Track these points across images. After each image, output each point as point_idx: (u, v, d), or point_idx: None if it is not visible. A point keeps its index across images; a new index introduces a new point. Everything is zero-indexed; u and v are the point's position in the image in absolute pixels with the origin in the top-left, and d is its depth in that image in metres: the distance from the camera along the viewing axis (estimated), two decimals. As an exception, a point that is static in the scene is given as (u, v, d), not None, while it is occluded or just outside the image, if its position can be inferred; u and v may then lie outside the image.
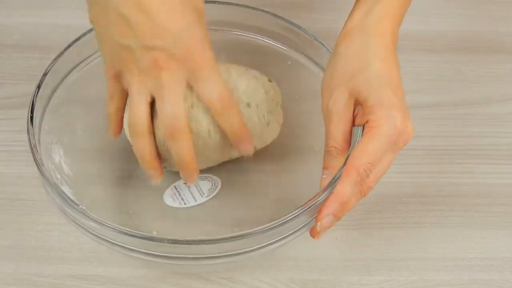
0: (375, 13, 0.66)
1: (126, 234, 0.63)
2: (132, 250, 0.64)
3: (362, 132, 0.64)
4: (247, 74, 0.72)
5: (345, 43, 0.67)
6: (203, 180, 0.77)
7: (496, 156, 0.83)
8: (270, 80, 0.73)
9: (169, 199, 0.76)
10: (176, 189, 0.77)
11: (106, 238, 0.65)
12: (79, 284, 0.73)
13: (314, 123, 0.72)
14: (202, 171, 0.77)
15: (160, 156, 0.68)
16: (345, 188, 0.63)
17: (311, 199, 0.65)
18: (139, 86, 0.64)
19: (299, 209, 0.64)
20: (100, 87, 0.71)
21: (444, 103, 0.88)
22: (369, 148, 0.63)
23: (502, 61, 0.92)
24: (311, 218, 0.66)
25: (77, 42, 0.75)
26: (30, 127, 0.69)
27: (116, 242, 0.64)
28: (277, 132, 0.74)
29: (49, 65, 0.73)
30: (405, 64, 0.91)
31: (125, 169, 0.78)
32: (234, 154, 0.72)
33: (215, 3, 0.78)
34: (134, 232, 0.63)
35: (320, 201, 0.65)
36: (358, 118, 0.65)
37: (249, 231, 0.63)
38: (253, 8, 0.78)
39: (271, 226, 0.63)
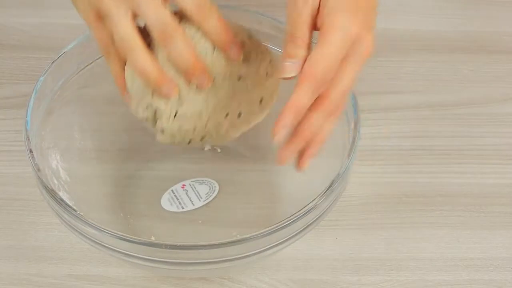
0: None
1: (123, 239, 0.63)
2: (130, 255, 0.64)
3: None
4: None
5: None
6: (200, 184, 0.77)
7: (496, 156, 0.83)
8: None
9: (167, 203, 0.76)
10: (174, 193, 0.77)
11: (103, 244, 0.64)
12: (79, 284, 0.73)
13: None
14: (200, 175, 0.78)
15: None
16: (300, 95, 0.60)
17: (312, 201, 0.65)
18: (116, 5, 0.61)
19: (299, 212, 0.64)
20: (100, 88, 0.71)
21: (444, 103, 0.88)
22: (323, 52, 0.61)
23: (502, 61, 0.92)
24: (311, 221, 0.66)
25: (77, 42, 0.75)
26: (27, 131, 0.69)
27: (114, 248, 0.64)
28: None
29: (48, 66, 0.73)
30: (405, 64, 0.92)
31: (123, 173, 0.78)
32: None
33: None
34: (131, 238, 0.63)
35: (320, 202, 0.65)
36: (317, 19, 0.63)
37: (247, 236, 0.63)
38: (252, 11, 0.78)
39: (270, 231, 0.63)
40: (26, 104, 0.70)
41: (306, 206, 0.64)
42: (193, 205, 0.76)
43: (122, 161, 0.78)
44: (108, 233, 0.63)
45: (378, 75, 0.90)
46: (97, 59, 0.76)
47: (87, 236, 0.65)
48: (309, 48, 0.62)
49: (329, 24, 0.61)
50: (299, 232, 0.66)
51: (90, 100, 0.76)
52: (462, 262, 0.76)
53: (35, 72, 0.88)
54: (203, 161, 0.80)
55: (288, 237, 0.65)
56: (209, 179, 0.77)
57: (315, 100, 0.61)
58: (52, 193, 0.66)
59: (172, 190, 0.77)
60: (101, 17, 0.63)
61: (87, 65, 0.76)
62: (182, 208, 0.76)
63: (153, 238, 0.72)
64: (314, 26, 0.63)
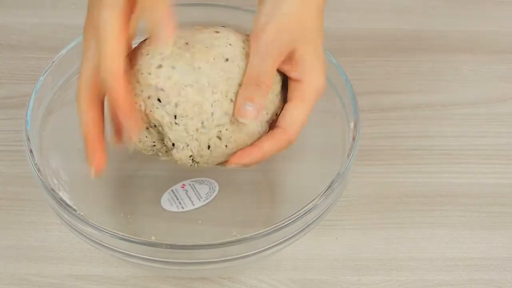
0: None
1: (123, 239, 0.63)
2: (130, 255, 0.64)
3: (288, 86, 0.65)
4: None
5: None
6: (200, 184, 0.77)
7: (496, 156, 0.83)
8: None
9: (167, 203, 0.76)
10: (174, 193, 0.77)
11: (103, 244, 0.64)
12: (79, 284, 0.73)
13: (312, 123, 0.71)
14: (199, 174, 0.78)
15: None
16: (272, 148, 0.64)
17: (312, 201, 0.65)
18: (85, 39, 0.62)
19: (299, 212, 0.64)
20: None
21: (444, 103, 0.88)
22: (297, 113, 0.64)
23: (502, 61, 0.92)
24: (311, 221, 0.66)
25: (77, 42, 0.75)
26: (27, 131, 0.69)
27: (114, 248, 0.64)
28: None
29: (48, 66, 0.73)
30: (405, 64, 0.92)
31: (123, 173, 0.78)
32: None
33: (209, 6, 0.78)
34: (131, 238, 0.63)
35: (320, 202, 0.65)
36: (284, 65, 0.65)
37: (247, 236, 0.63)
38: (250, 11, 0.77)
39: (270, 231, 0.63)
40: (26, 104, 0.70)
41: (306, 206, 0.65)
42: (193, 205, 0.76)
43: (122, 161, 0.78)
44: (108, 233, 0.63)
45: (378, 75, 0.90)
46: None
47: (87, 236, 0.65)
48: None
49: (308, 83, 0.64)
50: (299, 232, 0.66)
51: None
52: (462, 262, 0.76)
53: (35, 72, 0.88)
54: (203, 161, 0.80)
55: (288, 237, 0.65)
56: (209, 179, 0.77)
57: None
58: (52, 193, 0.66)
59: (172, 190, 0.77)
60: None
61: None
62: (182, 208, 0.76)
63: (153, 238, 0.72)
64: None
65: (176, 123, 0.63)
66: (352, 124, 0.70)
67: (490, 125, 0.86)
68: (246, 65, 0.65)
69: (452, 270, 0.75)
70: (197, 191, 0.77)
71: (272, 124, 0.66)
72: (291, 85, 0.65)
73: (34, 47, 0.92)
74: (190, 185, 0.77)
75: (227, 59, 0.65)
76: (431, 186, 0.81)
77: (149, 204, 0.76)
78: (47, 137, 0.72)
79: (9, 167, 0.81)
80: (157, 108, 0.63)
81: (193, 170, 0.78)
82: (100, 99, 0.63)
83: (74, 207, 0.65)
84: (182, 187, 0.77)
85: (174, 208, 0.76)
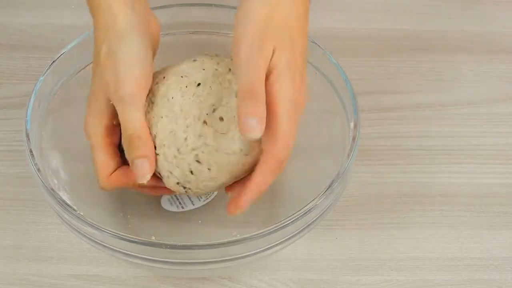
0: None
1: (123, 239, 0.63)
2: (130, 255, 0.64)
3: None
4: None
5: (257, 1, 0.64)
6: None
7: (496, 156, 0.83)
8: None
9: (167, 203, 0.76)
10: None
11: (103, 244, 0.64)
12: (79, 284, 0.73)
13: (312, 123, 0.72)
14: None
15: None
16: (264, 175, 0.63)
17: (312, 201, 0.65)
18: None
19: (299, 212, 0.64)
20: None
21: (444, 103, 0.88)
22: (282, 129, 0.62)
23: (502, 61, 0.92)
24: (311, 221, 0.66)
25: (77, 42, 0.75)
26: (27, 131, 0.69)
27: (114, 248, 0.64)
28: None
29: (48, 66, 0.73)
30: (405, 64, 0.92)
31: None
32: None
33: (212, 6, 0.78)
34: (131, 238, 0.63)
35: (320, 202, 0.65)
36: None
37: (247, 236, 0.63)
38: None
39: (270, 231, 0.63)
40: (26, 104, 0.70)
41: (306, 206, 0.65)
42: (193, 205, 0.76)
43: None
44: (108, 233, 0.63)
45: (378, 75, 0.90)
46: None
47: (87, 236, 0.65)
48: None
49: (277, 93, 0.62)
50: (299, 232, 0.66)
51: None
52: (462, 262, 0.76)
53: (35, 72, 0.88)
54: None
55: (288, 237, 0.65)
56: (209, 179, 0.77)
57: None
58: (52, 193, 0.66)
59: (172, 190, 0.77)
60: None
61: (87, 65, 0.75)
62: (182, 208, 0.76)
63: (153, 238, 0.72)
64: None
65: (157, 154, 0.66)
66: (352, 124, 0.70)
67: (490, 125, 0.86)
68: (219, 84, 0.67)
69: (452, 270, 0.75)
70: (197, 191, 0.77)
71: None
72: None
73: (34, 47, 0.92)
74: (190, 185, 0.77)
75: (199, 84, 0.68)
76: (431, 186, 0.81)
77: (149, 204, 0.76)
78: (47, 137, 0.72)
79: (9, 167, 0.81)
80: None
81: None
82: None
83: (74, 207, 0.65)
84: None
85: (174, 208, 0.76)
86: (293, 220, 0.64)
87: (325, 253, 0.76)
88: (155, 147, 0.66)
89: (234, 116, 0.66)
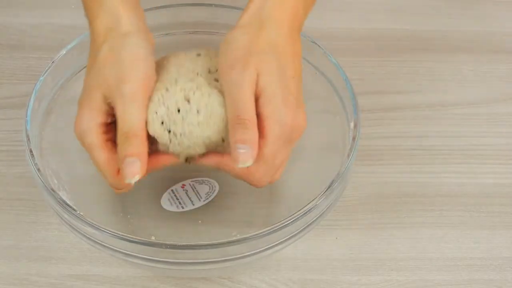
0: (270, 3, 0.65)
1: (123, 239, 0.63)
2: (130, 255, 0.64)
3: None
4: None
5: (240, 30, 0.65)
6: (200, 184, 0.77)
7: (496, 156, 0.84)
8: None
9: (167, 203, 0.76)
10: (174, 193, 0.77)
11: (103, 244, 0.64)
12: (79, 284, 0.73)
13: (311, 123, 0.72)
14: (199, 174, 0.78)
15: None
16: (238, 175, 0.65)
17: (312, 201, 0.65)
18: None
19: (299, 212, 0.64)
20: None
21: (444, 103, 0.88)
22: (263, 151, 0.62)
23: (502, 61, 0.92)
24: (311, 221, 0.66)
25: (77, 42, 0.75)
26: (27, 131, 0.69)
27: (114, 248, 0.64)
28: None
29: (48, 66, 0.73)
30: (405, 64, 0.92)
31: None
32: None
33: (212, 6, 0.78)
34: (131, 238, 0.63)
35: (320, 202, 0.65)
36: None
37: (247, 236, 0.63)
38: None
39: (270, 231, 0.63)
40: (26, 104, 0.70)
41: (306, 206, 0.65)
42: (193, 205, 0.76)
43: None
44: (108, 233, 0.63)
45: (378, 75, 0.90)
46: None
47: (87, 236, 0.65)
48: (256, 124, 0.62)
49: (265, 118, 0.62)
50: (299, 232, 0.66)
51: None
52: (462, 262, 0.76)
53: (35, 72, 0.88)
54: (203, 161, 0.80)
55: (288, 237, 0.65)
56: (209, 179, 0.77)
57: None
58: (52, 193, 0.66)
59: (172, 190, 0.77)
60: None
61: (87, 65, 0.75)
62: (182, 208, 0.76)
63: (153, 238, 0.72)
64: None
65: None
66: (352, 124, 0.70)
67: (490, 125, 0.86)
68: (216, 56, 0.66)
69: (452, 270, 0.75)
70: (197, 191, 0.77)
71: None
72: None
73: (34, 47, 0.92)
74: (190, 185, 0.77)
75: (198, 54, 0.68)
76: (431, 186, 0.81)
77: (149, 204, 0.76)
78: (47, 137, 0.72)
79: (9, 167, 0.81)
80: None
81: (193, 170, 0.78)
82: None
83: (74, 207, 0.65)
84: (182, 187, 0.77)
85: (174, 208, 0.76)
86: (293, 220, 0.64)
87: (325, 253, 0.76)
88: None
89: None
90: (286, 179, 0.77)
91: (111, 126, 0.65)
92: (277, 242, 0.65)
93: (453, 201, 0.80)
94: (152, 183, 0.78)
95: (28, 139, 0.68)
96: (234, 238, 0.63)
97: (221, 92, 0.65)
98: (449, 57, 0.92)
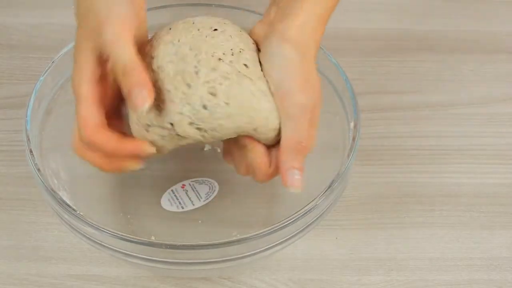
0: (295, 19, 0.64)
1: (123, 239, 0.63)
2: (130, 255, 0.64)
3: None
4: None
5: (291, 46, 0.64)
6: (200, 184, 0.77)
7: (496, 156, 0.84)
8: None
9: (167, 203, 0.76)
10: (174, 193, 0.76)
11: (103, 244, 0.64)
12: (79, 284, 0.73)
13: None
14: (199, 175, 0.78)
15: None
16: (290, 157, 0.64)
17: (312, 201, 0.65)
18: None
19: (299, 212, 0.64)
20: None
21: (444, 103, 0.88)
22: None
23: (502, 61, 0.92)
24: (311, 221, 0.66)
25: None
26: (27, 131, 0.69)
27: (114, 248, 0.64)
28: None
29: (48, 66, 0.73)
30: (405, 64, 0.92)
31: (123, 174, 0.78)
32: None
33: (212, 6, 0.78)
34: (131, 238, 0.63)
35: (320, 202, 0.65)
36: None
37: (247, 236, 0.63)
38: (249, 11, 0.78)
39: (270, 231, 0.63)
40: (26, 104, 0.70)
41: (306, 206, 0.65)
42: (193, 205, 0.76)
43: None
44: (108, 233, 0.63)
45: (378, 75, 0.90)
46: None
47: (87, 236, 0.65)
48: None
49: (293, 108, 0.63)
50: (299, 232, 0.66)
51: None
52: (462, 262, 0.76)
53: (35, 72, 0.88)
54: (203, 161, 0.80)
55: (288, 237, 0.65)
56: (209, 179, 0.77)
57: None
58: (52, 193, 0.66)
59: (172, 190, 0.77)
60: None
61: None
62: (182, 208, 0.76)
63: (153, 238, 0.72)
64: None
65: (161, 103, 0.62)
66: (352, 124, 0.70)
67: (490, 125, 0.86)
68: (240, 36, 0.64)
69: (452, 270, 0.75)
70: (197, 191, 0.77)
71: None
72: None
73: (34, 47, 0.92)
74: (190, 185, 0.77)
75: (215, 29, 0.64)
76: (431, 186, 0.81)
77: (149, 204, 0.76)
78: (47, 137, 0.72)
79: (9, 167, 0.81)
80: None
81: (193, 170, 0.78)
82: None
83: (74, 207, 0.65)
84: (182, 187, 0.77)
85: (174, 208, 0.76)
86: (293, 220, 0.64)
87: (325, 253, 0.76)
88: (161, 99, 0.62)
89: (259, 69, 0.63)
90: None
91: (105, 84, 0.64)
92: (277, 242, 0.65)
93: (453, 201, 0.80)
94: (152, 183, 0.78)
95: (28, 139, 0.68)
96: (234, 238, 0.63)
97: (251, 77, 0.62)
98: (449, 57, 0.92)
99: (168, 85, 0.62)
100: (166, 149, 0.65)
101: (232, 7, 0.77)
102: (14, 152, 0.82)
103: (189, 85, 0.62)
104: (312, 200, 0.65)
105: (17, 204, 0.78)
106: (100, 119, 0.63)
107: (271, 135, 0.64)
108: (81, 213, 0.64)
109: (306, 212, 0.64)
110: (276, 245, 0.65)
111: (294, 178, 0.63)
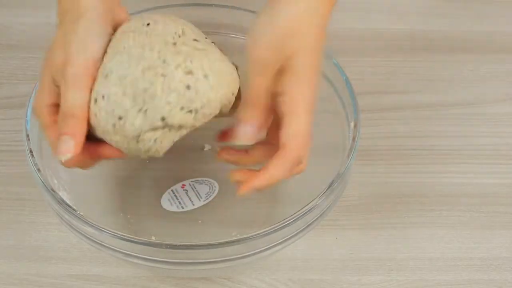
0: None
1: (123, 239, 0.63)
2: (130, 255, 0.64)
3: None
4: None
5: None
6: (200, 184, 0.77)
7: (496, 156, 0.84)
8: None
9: (167, 203, 0.76)
10: (174, 193, 0.77)
11: (103, 244, 0.64)
12: (79, 284, 0.73)
13: (312, 123, 0.72)
14: (199, 174, 0.78)
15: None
16: (279, 172, 0.64)
17: (312, 201, 0.65)
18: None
19: (299, 212, 0.64)
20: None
21: (444, 103, 0.88)
22: (303, 129, 0.63)
23: (502, 61, 0.92)
24: (311, 221, 0.66)
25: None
26: (27, 131, 0.69)
27: (114, 248, 0.64)
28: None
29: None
30: (405, 64, 0.92)
31: (123, 173, 0.78)
32: None
33: (212, 6, 0.78)
34: (131, 238, 0.63)
35: (320, 202, 0.65)
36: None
37: (247, 236, 0.63)
38: (250, 11, 0.78)
39: (270, 231, 0.63)
40: (26, 104, 0.70)
41: (306, 206, 0.65)
42: (193, 205, 0.76)
43: (122, 161, 0.78)
44: (108, 233, 0.63)
45: (378, 75, 0.90)
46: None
47: (87, 236, 0.65)
48: None
49: (301, 101, 0.63)
50: (299, 232, 0.66)
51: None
52: (462, 262, 0.76)
53: (35, 72, 0.88)
54: (203, 161, 0.80)
55: (288, 237, 0.65)
56: (209, 179, 0.77)
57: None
58: (52, 193, 0.66)
59: (172, 190, 0.77)
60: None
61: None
62: (182, 208, 0.76)
63: (153, 238, 0.72)
64: None
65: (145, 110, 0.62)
66: (352, 124, 0.70)
67: (490, 125, 0.86)
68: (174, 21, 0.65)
69: (452, 270, 0.75)
70: (197, 191, 0.77)
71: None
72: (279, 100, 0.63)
73: (34, 47, 0.92)
74: (190, 185, 0.77)
75: (148, 24, 0.64)
76: (431, 186, 0.81)
77: (149, 204, 0.76)
78: (46, 139, 0.72)
79: (9, 167, 0.81)
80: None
81: (193, 170, 0.78)
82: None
83: (74, 207, 0.65)
84: (182, 187, 0.77)
85: (174, 208, 0.76)
86: (293, 220, 0.64)
87: (325, 253, 0.76)
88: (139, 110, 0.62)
89: (211, 41, 0.65)
90: (285, 179, 0.77)
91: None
92: (277, 242, 0.65)
93: (453, 201, 0.80)
94: (152, 183, 0.78)
95: (28, 139, 0.68)
96: (234, 238, 0.63)
97: (207, 48, 0.64)
98: (449, 57, 0.92)
99: (142, 84, 0.62)
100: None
101: (232, 7, 0.77)
102: (14, 152, 0.82)
103: (164, 75, 0.62)
104: (312, 200, 0.65)
105: (17, 204, 0.78)
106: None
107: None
108: (81, 213, 0.64)
109: (306, 212, 0.64)
110: (276, 245, 0.65)
111: (242, 131, 0.63)
